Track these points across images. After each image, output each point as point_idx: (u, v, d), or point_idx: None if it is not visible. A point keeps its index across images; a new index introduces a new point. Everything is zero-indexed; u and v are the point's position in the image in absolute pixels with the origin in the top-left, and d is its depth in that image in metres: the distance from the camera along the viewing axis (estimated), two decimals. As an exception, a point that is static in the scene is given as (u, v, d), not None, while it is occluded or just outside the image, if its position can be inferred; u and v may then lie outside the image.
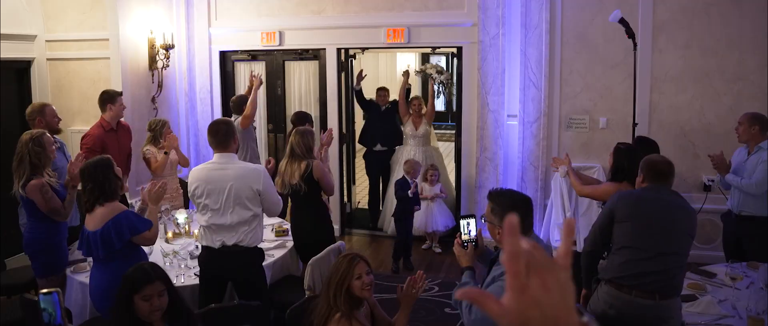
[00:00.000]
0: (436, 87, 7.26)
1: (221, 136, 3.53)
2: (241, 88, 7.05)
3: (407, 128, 6.83)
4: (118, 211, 3.29)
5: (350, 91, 6.96)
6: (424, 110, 6.77)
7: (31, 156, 3.75)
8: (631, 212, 3.11)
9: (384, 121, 7.02)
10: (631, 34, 5.07)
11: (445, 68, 7.49)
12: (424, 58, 13.70)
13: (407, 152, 6.75)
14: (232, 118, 5.72)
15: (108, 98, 4.96)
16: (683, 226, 3.08)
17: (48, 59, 5.93)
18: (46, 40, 5.90)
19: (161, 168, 5.09)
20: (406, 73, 7.10)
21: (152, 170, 5.14)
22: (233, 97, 6.23)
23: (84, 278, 3.72)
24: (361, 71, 6.88)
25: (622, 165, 3.85)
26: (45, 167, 3.84)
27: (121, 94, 5.07)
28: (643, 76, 5.69)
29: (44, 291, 1.76)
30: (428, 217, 6.34)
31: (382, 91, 7.15)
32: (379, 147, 6.97)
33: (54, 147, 3.99)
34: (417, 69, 7.56)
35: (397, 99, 6.87)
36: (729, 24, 5.57)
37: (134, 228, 3.30)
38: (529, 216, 2.62)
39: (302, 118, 5.91)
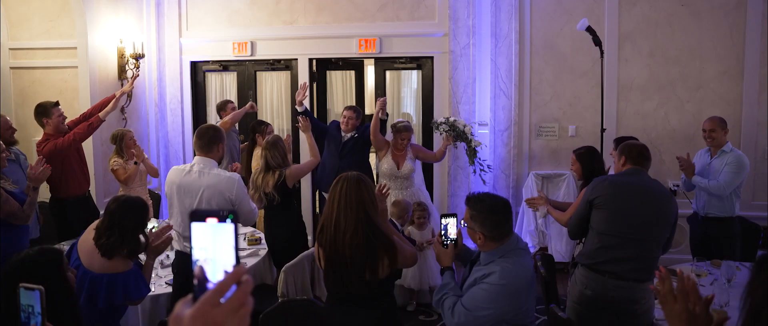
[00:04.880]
0: (464, 146, 5.74)
1: (205, 140, 3.54)
2: (211, 98, 6.98)
3: (384, 165, 5.19)
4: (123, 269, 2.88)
5: (322, 102, 6.88)
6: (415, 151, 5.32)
7: None
8: (610, 199, 3.15)
9: (346, 157, 5.27)
10: (597, 42, 5.21)
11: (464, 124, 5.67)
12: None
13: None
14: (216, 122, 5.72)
15: (42, 112, 4.65)
16: (664, 212, 3.14)
17: (11, 68, 5.78)
18: (10, 48, 5.76)
19: (131, 178, 5.02)
20: (383, 102, 5.27)
21: (122, 181, 5.06)
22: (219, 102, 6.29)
23: (49, 288, 3.62)
24: (304, 83, 5.62)
25: (591, 167, 3.92)
26: None
27: (56, 104, 4.73)
28: (610, 85, 5.84)
29: (26, 285, 1.67)
30: (424, 271, 4.81)
31: (349, 112, 5.35)
32: None
33: (3, 155, 3.87)
34: (437, 122, 5.81)
35: (370, 125, 5.28)
36: (690, 35, 5.77)
37: (129, 295, 2.91)
38: (509, 219, 2.65)
39: (258, 125, 5.87)
